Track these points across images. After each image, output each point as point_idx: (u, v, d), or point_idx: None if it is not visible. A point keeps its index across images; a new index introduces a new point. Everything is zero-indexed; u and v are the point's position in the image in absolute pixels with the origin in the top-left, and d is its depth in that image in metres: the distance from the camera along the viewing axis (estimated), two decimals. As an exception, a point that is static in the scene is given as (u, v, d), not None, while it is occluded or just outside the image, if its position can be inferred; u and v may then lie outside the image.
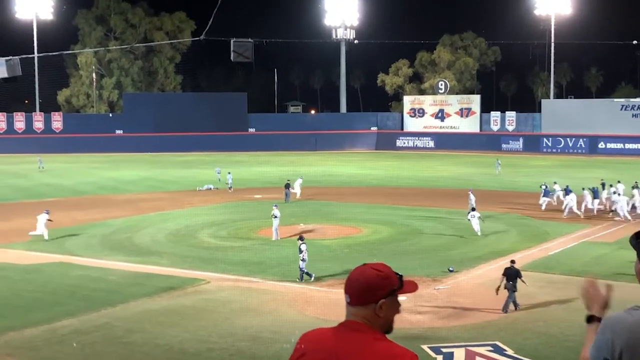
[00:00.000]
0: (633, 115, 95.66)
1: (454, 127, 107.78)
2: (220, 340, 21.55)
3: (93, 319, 23.67)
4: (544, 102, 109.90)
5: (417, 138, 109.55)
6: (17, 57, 26.48)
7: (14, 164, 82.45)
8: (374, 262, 3.89)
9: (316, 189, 54.14)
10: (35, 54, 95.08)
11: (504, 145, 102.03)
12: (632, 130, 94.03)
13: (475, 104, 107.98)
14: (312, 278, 28.54)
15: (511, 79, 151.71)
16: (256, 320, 23.35)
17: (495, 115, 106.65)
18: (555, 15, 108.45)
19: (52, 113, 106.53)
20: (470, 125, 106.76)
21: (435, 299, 25.32)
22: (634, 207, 44.37)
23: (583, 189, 46.19)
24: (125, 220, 43.76)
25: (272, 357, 20.22)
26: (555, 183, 49.32)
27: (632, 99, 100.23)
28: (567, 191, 45.45)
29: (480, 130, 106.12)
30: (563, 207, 44.70)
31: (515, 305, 24.19)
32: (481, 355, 20.11)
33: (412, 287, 3.85)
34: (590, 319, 4.00)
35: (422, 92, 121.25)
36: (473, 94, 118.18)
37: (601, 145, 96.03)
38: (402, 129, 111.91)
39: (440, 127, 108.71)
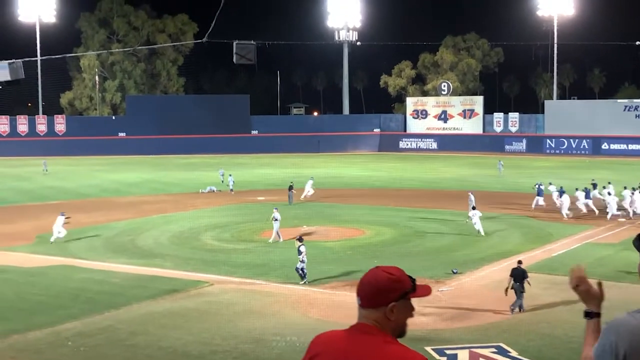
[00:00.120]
0: (636, 116, 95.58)
1: (457, 128, 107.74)
2: (223, 342, 21.53)
3: (96, 322, 23.65)
4: (547, 103, 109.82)
5: (420, 139, 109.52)
6: (20, 60, 26.52)
7: (17, 166, 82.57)
8: (385, 265, 3.87)
9: (319, 191, 54.11)
10: (38, 57, 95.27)
11: (507, 147, 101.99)
12: (635, 131, 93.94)
13: (478, 105, 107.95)
14: (303, 281, 28.42)
15: (514, 80, 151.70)
16: (259, 322, 23.33)
17: (498, 116, 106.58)
18: (557, 16, 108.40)
19: (55, 116, 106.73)
20: (473, 126, 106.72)
21: (439, 301, 25.27)
22: (623, 208, 44.39)
23: (577, 189, 46.59)
24: (128, 223, 43.78)
25: (275, 359, 20.21)
26: (550, 184, 49.46)
27: (635, 100, 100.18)
28: (560, 192, 45.95)
29: (483, 131, 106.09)
30: (558, 206, 45.01)
31: (520, 307, 24.15)
32: (485, 357, 20.07)
33: (425, 291, 3.83)
34: (588, 315, 3.99)
35: (424, 94, 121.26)
36: (476, 95, 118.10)
37: (604, 146, 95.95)
38: (405, 130, 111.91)
39: (443, 129, 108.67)
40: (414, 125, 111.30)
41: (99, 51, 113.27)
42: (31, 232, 40.53)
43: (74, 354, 20.77)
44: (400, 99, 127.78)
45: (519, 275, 24.26)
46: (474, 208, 39.85)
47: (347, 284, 28.06)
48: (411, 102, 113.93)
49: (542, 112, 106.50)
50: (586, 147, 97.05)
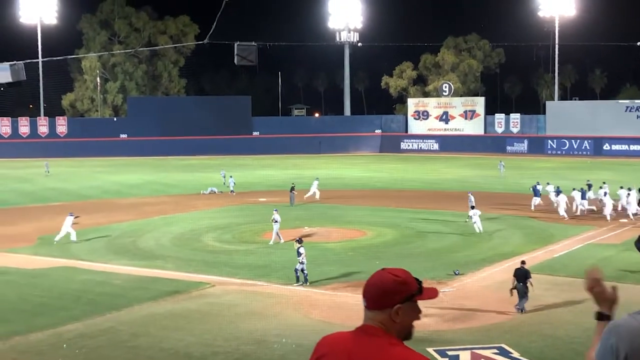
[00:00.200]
0: (638, 117, 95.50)
1: (458, 129, 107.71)
2: (225, 343, 21.54)
3: (98, 323, 23.67)
4: (548, 103, 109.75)
5: (421, 140, 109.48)
6: (21, 61, 26.52)
7: (19, 168, 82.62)
8: (391, 266, 3.87)
9: (321, 192, 54.09)
10: (40, 59, 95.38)
11: (508, 148, 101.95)
12: (636, 131, 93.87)
13: (480, 106, 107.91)
14: (298, 283, 28.35)
15: (515, 81, 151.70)
16: (261, 323, 23.33)
17: (499, 117, 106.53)
18: (559, 17, 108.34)
19: (57, 117, 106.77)
20: (474, 127, 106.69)
21: (441, 302, 25.24)
22: (624, 208, 44.66)
23: (573, 189, 46.83)
24: (129, 224, 43.80)
25: (277, 360, 20.22)
26: (548, 184, 49.61)
27: (636, 100, 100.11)
28: (557, 192, 46.23)
29: (485, 132, 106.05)
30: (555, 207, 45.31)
31: (522, 309, 24.15)
32: (487, 358, 20.06)
33: (432, 294, 3.83)
34: (599, 316, 3.97)
35: (426, 95, 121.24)
36: (477, 96, 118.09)
37: (606, 146, 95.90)
38: (406, 131, 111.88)
39: (445, 130, 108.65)
40: (415, 126, 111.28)
41: (100, 53, 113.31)
42: (33, 234, 40.54)
43: (75, 355, 20.78)
44: (402, 100, 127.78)
45: (521, 276, 24.26)
46: (473, 207, 40.23)
47: (348, 285, 28.06)
48: (412, 103, 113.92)
49: (544, 113, 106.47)
50: (587, 147, 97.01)
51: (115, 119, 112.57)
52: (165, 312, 25.01)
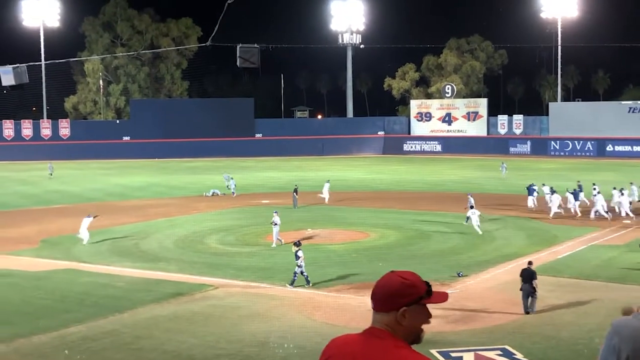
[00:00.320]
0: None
1: (461, 130, 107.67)
2: (228, 346, 21.53)
3: (101, 326, 23.66)
4: (551, 105, 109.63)
5: (424, 142, 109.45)
6: (24, 64, 26.56)
7: (22, 171, 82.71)
8: (401, 270, 3.86)
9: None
10: (43, 61, 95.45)
11: (511, 149, 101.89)
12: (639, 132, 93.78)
13: (483, 107, 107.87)
14: (292, 284, 28.28)
15: (518, 82, 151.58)
16: (264, 326, 23.32)
17: (502, 118, 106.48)
18: (561, 18, 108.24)
19: (60, 120, 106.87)
20: (477, 128, 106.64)
21: (444, 303, 25.17)
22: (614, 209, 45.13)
23: (567, 190, 47.20)
24: (132, 227, 43.81)
25: (280, 362, 20.20)
26: (544, 185, 49.81)
27: (639, 102, 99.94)
28: (551, 192, 46.68)
29: (488, 133, 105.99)
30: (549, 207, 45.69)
31: (526, 309, 24.10)
32: (490, 360, 20.04)
33: (441, 298, 3.82)
34: None
35: (429, 96, 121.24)
36: (480, 97, 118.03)
37: (609, 148, 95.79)
38: (409, 133, 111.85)
39: (448, 131, 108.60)
40: (418, 128, 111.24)
41: (103, 55, 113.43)
42: (36, 236, 40.57)
43: (79, 358, 20.77)
44: (404, 101, 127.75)
45: (527, 277, 24.22)
46: (472, 207, 40.55)
47: (352, 286, 28.05)
48: (415, 105, 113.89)
49: (547, 114, 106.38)
50: (591, 149, 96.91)
51: (118, 122, 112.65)
52: (169, 314, 25.01)
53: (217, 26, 27.83)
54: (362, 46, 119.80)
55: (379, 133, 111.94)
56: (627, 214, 43.87)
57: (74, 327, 23.43)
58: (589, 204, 45.78)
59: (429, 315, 3.74)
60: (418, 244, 37.46)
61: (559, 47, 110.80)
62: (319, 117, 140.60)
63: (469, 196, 44.23)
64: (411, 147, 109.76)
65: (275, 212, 37.92)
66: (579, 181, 51.22)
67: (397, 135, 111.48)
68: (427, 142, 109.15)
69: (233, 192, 58.38)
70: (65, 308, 26.03)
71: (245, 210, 50.01)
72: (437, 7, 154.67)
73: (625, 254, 33.18)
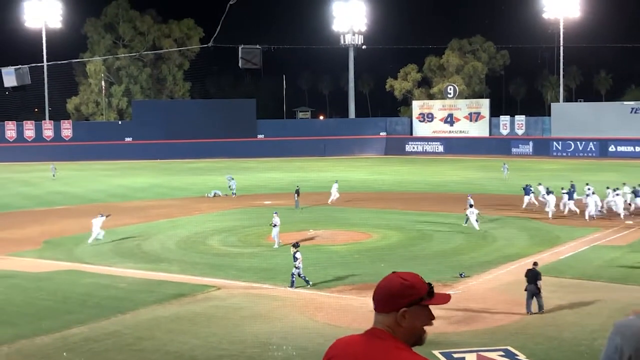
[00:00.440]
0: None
1: (463, 131, 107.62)
2: (230, 347, 21.53)
3: (103, 327, 23.67)
4: (553, 105, 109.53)
5: (426, 143, 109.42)
6: (26, 65, 26.60)
7: (25, 172, 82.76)
8: (403, 271, 3.85)
9: (325, 195, 54.09)
10: (45, 63, 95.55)
11: (513, 149, 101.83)
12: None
13: (485, 108, 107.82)
14: (292, 285, 28.25)
15: (520, 83, 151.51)
16: (267, 326, 23.32)
17: (504, 119, 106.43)
18: (564, 19, 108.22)
19: (62, 121, 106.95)
20: (479, 129, 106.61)
21: (446, 304, 25.19)
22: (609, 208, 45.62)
23: (562, 189, 47.37)
24: (135, 228, 43.83)
25: (282, 363, 20.19)
26: (540, 184, 49.90)
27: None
28: (547, 192, 47.07)
29: (490, 134, 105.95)
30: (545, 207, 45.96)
31: (528, 309, 24.09)
32: (492, 361, 20.02)
33: (443, 299, 3.80)
34: None
35: (430, 97, 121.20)
36: (482, 98, 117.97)
37: (611, 148, 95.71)
38: (411, 133, 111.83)
39: (450, 132, 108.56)
40: (420, 129, 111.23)
41: (105, 56, 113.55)
42: (38, 238, 40.61)
43: (80, 359, 20.78)
44: (406, 102, 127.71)
45: (531, 277, 24.21)
46: (471, 206, 40.98)
47: (354, 287, 28.05)
48: (417, 105, 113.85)
49: (549, 115, 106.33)
50: (593, 149, 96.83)
51: (120, 123, 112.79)
52: (171, 315, 25.01)
53: (219, 27, 27.85)
54: (364, 47, 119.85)
55: (381, 134, 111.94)
56: (620, 214, 43.86)
57: (76, 328, 23.45)
58: (584, 201, 45.74)
59: (431, 317, 3.71)
60: (420, 245, 37.44)
61: (561, 48, 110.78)
62: (321, 118, 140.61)
63: (469, 197, 44.27)
64: (413, 147, 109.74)
65: (275, 213, 37.88)
66: (572, 181, 51.26)
67: (399, 136, 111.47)
68: (429, 143, 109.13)
69: (233, 193, 58.39)
70: (68, 309, 26.04)
71: (247, 211, 50.01)
72: (439, 7, 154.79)
73: (627, 254, 33.15)
